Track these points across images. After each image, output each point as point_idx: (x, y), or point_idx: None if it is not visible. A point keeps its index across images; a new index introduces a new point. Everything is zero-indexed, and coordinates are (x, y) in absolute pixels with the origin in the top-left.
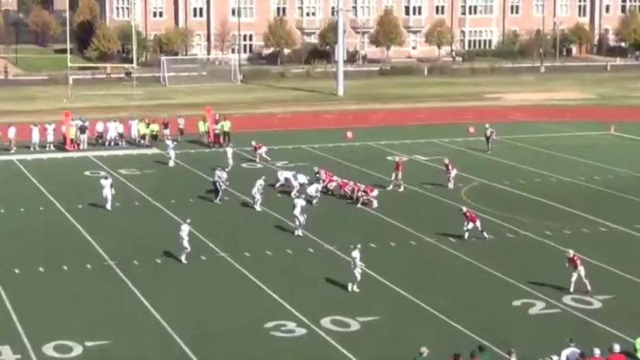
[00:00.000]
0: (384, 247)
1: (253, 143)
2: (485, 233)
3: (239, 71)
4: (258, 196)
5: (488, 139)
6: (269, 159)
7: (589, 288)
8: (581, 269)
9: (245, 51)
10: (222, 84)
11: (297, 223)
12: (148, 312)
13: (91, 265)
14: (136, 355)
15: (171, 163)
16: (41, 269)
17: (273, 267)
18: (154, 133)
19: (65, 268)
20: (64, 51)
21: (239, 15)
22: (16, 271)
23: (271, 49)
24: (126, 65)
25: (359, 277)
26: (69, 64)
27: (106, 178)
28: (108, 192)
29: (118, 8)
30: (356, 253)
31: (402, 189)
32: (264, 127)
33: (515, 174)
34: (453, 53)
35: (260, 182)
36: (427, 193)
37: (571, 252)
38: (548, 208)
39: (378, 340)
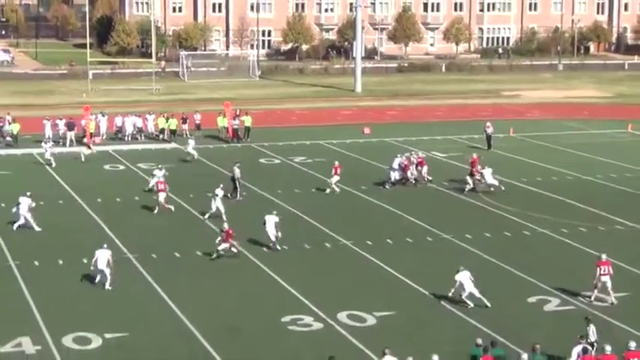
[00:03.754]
0: (401, 243)
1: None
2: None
3: (257, 67)
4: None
5: (489, 137)
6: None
7: (613, 301)
8: (608, 281)
9: (263, 47)
10: (241, 79)
11: (273, 239)
12: (166, 305)
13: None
14: (155, 348)
15: (190, 158)
16: (60, 262)
17: (290, 261)
18: (173, 128)
19: (84, 261)
20: (83, 45)
21: (258, 11)
22: (36, 263)
23: (290, 45)
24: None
25: None
26: (88, 59)
27: (160, 169)
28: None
29: (137, 3)
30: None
31: (426, 184)
32: (283, 123)
33: (532, 171)
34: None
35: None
36: (444, 189)
37: (604, 256)
38: (565, 206)
39: (394, 335)
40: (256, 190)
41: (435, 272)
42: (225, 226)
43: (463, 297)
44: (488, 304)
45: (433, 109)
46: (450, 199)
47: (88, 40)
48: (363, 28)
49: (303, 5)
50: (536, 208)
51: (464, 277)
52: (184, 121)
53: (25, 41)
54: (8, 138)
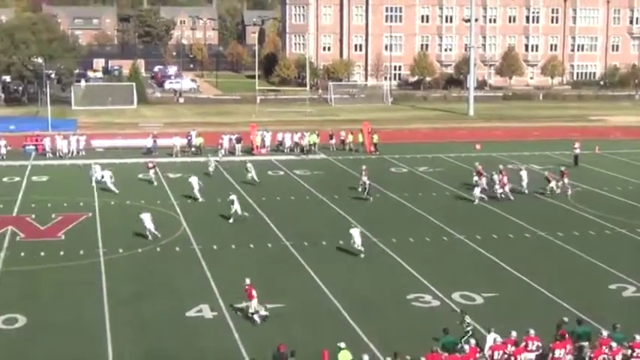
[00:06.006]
0: (504, 238)
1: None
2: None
3: (390, 94)
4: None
5: (576, 157)
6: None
7: None
8: None
9: (395, 78)
10: (376, 104)
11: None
12: (315, 282)
13: (272, 244)
14: (305, 316)
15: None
16: (233, 246)
17: (415, 251)
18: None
19: (252, 246)
20: (253, 76)
21: (390, 50)
22: (214, 247)
23: (416, 78)
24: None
25: None
26: (257, 87)
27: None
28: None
29: (295, 43)
30: None
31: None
32: (410, 140)
33: (613, 182)
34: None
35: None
36: (540, 196)
37: None
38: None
39: (498, 313)
40: (387, 193)
41: (532, 262)
42: (247, 281)
43: None
44: None
45: (531, 130)
46: (545, 204)
47: (256, 72)
48: (475, 64)
49: (427, 46)
50: (615, 212)
51: None
52: (331, 137)
53: (208, 73)
54: (193, 149)
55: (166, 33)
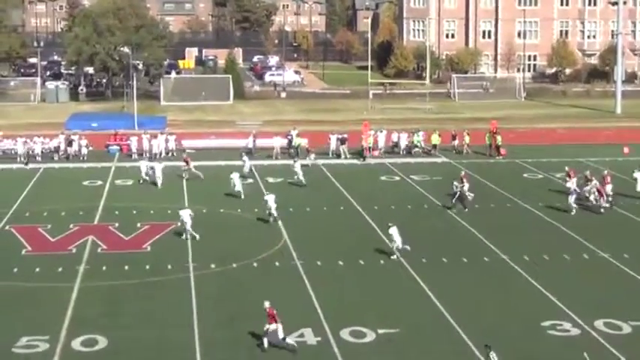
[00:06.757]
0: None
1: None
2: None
3: (523, 89)
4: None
5: None
6: None
7: None
8: None
9: (529, 70)
10: (507, 100)
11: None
12: (434, 306)
13: (384, 261)
14: (422, 345)
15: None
16: (340, 263)
17: (549, 269)
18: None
19: (361, 262)
20: (364, 68)
21: (524, 37)
22: (318, 263)
23: (553, 69)
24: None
25: None
26: (369, 80)
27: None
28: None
29: (414, 30)
30: None
31: None
32: (544, 142)
33: None
34: None
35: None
36: None
37: None
38: None
39: None
40: (518, 202)
41: None
42: (267, 304)
43: None
44: None
45: None
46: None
47: (369, 63)
48: (623, 53)
49: (567, 32)
50: None
51: None
52: (454, 137)
53: (314, 63)
54: (292, 150)
55: (267, 18)
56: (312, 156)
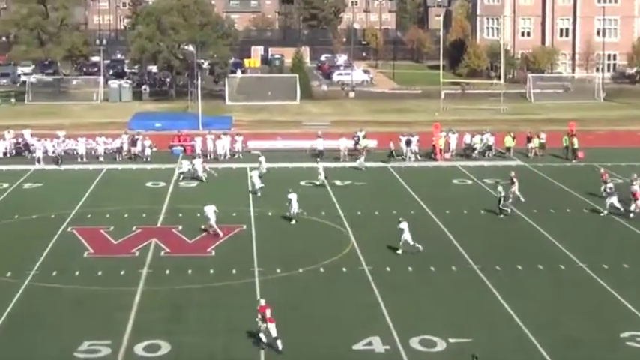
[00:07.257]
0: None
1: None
2: None
3: (602, 89)
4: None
5: None
6: None
7: None
8: None
9: (608, 70)
10: (585, 101)
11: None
12: (507, 315)
13: (456, 267)
14: (495, 355)
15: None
16: (410, 269)
17: (632, 280)
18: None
19: (432, 269)
20: (436, 67)
21: (604, 35)
22: (387, 268)
23: (634, 69)
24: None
25: None
26: (441, 80)
27: None
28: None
29: (488, 28)
30: None
31: None
32: (626, 144)
33: None
34: None
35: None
36: None
37: None
38: None
39: None
40: (597, 208)
41: None
42: (262, 302)
43: None
44: None
45: None
46: None
47: (441, 62)
48: None
49: None
50: None
51: None
52: (529, 140)
53: (384, 62)
54: (356, 152)
55: (335, 16)
56: (362, 159)
